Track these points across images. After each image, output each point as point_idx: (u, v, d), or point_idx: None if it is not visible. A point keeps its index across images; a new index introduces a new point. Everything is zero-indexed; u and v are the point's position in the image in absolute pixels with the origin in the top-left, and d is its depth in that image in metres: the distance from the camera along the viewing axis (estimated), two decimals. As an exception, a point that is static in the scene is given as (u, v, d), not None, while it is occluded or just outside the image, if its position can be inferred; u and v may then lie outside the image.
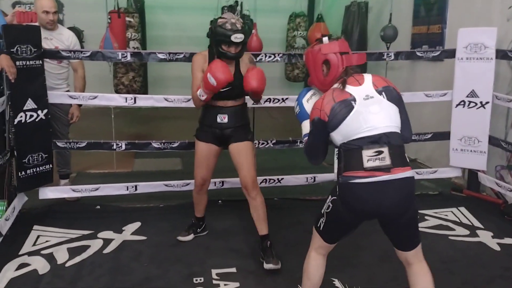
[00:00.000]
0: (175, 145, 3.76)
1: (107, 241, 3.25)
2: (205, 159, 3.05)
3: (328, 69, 2.13)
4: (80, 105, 3.87)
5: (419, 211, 3.68)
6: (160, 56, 3.63)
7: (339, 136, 2.03)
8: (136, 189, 3.74)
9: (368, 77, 2.07)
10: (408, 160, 2.01)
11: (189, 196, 3.92)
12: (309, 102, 2.29)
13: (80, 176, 4.56)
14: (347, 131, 1.99)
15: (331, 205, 2.08)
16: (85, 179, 4.38)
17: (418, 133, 4.16)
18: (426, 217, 3.69)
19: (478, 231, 3.44)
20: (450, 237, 3.36)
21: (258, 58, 3.71)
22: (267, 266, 2.83)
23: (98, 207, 3.85)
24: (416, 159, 5.29)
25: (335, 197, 2.05)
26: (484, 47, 3.76)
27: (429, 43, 5.08)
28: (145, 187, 3.77)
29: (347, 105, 1.99)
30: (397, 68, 5.61)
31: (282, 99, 3.83)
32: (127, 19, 5.76)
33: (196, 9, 8.17)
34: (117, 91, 5.77)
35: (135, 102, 3.65)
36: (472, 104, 3.89)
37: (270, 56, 3.78)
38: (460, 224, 3.59)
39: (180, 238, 3.28)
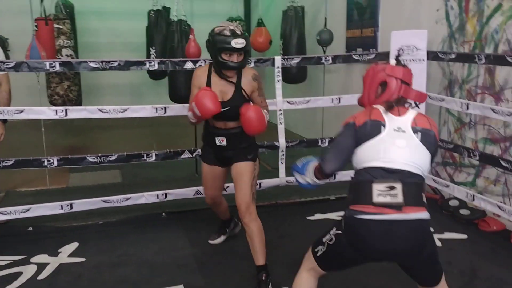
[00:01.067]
0: (113, 158, 3.57)
1: (41, 266, 3.00)
2: (210, 181, 2.93)
3: (382, 91, 1.99)
4: (4, 121, 3.55)
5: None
6: (92, 65, 3.44)
7: (356, 157, 1.94)
8: (71, 208, 3.50)
9: (412, 113, 1.94)
10: (425, 201, 1.85)
11: (132, 210, 3.77)
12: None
13: (9, 196, 4.23)
14: (364, 154, 1.90)
15: (334, 238, 1.92)
16: (15, 199, 4.06)
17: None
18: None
19: (419, 228, 3.55)
20: (393, 235, 3.43)
21: (198, 65, 3.61)
22: None
23: (30, 228, 3.57)
24: (357, 159, 5.41)
25: (340, 232, 1.90)
26: (416, 49, 3.90)
27: (363, 46, 5.21)
28: (81, 204, 3.54)
29: (376, 128, 1.89)
30: (334, 71, 5.72)
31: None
32: (57, 26, 5.45)
33: (129, 14, 7.94)
34: (52, 102, 5.43)
35: (66, 114, 3.42)
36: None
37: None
38: (402, 221, 3.68)
39: (211, 241, 3.27)
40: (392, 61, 2.04)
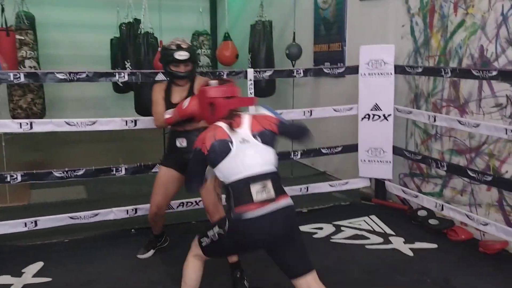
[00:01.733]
0: (80, 173, 3.44)
1: (4, 288, 2.84)
2: (163, 185, 2.97)
3: (213, 110, 2.33)
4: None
5: (337, 223, 3.85)
6: (60, 76, 3.32)
7: (220, 173, 2.19)
8: (36, 225, 3.34)
9: (246, 120, 2.27)
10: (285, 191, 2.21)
11: (99, 227, 3.64)
12: None
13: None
14: (227, 172, 2.17)
15: (217, 236, 2.17)
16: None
17: (329, 146, 4.30)
18: (342, 228, 3.79)
19: (390, 238, 3.60)
20: (366, 246, 3.46)
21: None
22: None
23: (-9, 248, 3.38)
24: (326, 171, 5.46)
25: (222, 233, 2.14)
26: (384, 63, 4.01)
27: (330, 60, 5.31)
28: (47, 221, 3.38)
29: (226, 147, 2.18)
30: (302, 85, 5.78)
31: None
32: (20, 36, 5.26)
33: (93, 27, 7.81)
34: (14, 117, 5.20)
35: (31, 127, 3.28)
36: (376, 117, 4.10)
37: (180, 75, 3.63)
38: (374, 232, 3.73)
39: (140, 256, 3.25)
40: (213, 82, 2.41)
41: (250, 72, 3.84)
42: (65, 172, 3.40)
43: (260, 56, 5.55)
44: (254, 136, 2.22)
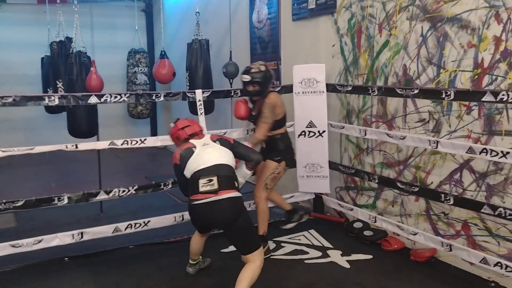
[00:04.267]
0: (19, 204, 3.25)
1: None
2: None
3: (178, 139, 3.13)
4: None
5: (277, 239, 3.89)
6: (-17, 100, 3.14)
7: (187, 172, 2.89)
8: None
9: (207, 135, 3.10)
10: (236, 185, 2.86)
11: (28, 258, 3.43)
12: None
13: None
14: (191, 168, 2.87)
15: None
16: None
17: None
18: (282, 244, 3.84)
19: (328, 251, 3.70)
20: (305, 261, 3.53)
21: (103, 99, 3.48)
22: None
23: None
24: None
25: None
26: (316, 82, 4.14)
27: (267, 78, 5.41)
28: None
29: (190, 151, 2.93)
30: (241, 102, 5.85)
31: (141, 140, 3.64)
32: None
33: (23, 45, 7.49)
34: None
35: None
36: (311, 134, 4.22)
37: (116, 97, 3.56)
38: (313, 246, 3.81)
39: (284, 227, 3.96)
40: (171, 124, 3.20)
41: (199, 93, 3.86)
42: (3, 204, 3.18)
43: (197, 75, 5.56)
44: (214, 141, 2.99)
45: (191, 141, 2.99)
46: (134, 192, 3.64)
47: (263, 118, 3.53)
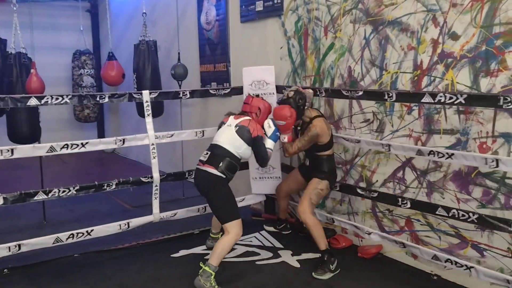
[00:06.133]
0: None
1: None
2: (290, 177, 4.00)
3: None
4: None
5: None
6: None
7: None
8: None
9: (240, 119, 3.37)
10: (220, 164, 3.17)
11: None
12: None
13: None
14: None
15: None
16: None
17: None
18: (234, 247, 3.82)
19: (279, 251, 3.72)
20: (256, 262, 3.54)
21: (43, 101, 3.34)
22: None
23: None
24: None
25: None
26: (266, 83, 4.17)
27: (217, 80, 5.40)
28: None
29: (220, 125, 3.49)
30: (191, 105, 5.80)
31: (82, 143, 3.48)
32: None
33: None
34: None
35: None
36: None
37: (57, 98, 3.41)
38: (264, 247, 3.83)
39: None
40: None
41: (146, 94, 3.77)
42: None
43: (145, 77, 5.45)
44: (235, 125, 3.30)
45: (230, 117, 3.41)
46: (75, 192, 3.48)
47: (302, 141, 3.51)
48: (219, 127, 3.46)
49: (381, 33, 3.46)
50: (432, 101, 2.91)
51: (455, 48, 2.99)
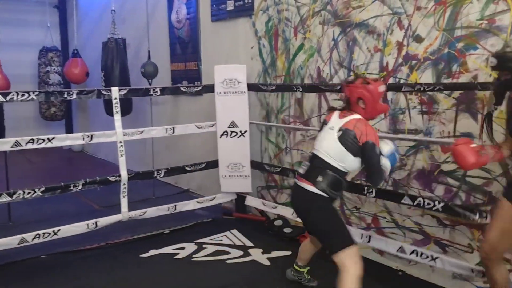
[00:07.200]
0: None
1: None
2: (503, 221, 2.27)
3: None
4: None
5: (199, 240, 3.88)
6: None
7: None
8: None
9: (345, 119, 2.56)
10: (319, 179, 2.51)
11: None
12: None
13: None
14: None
15: None
16: None
17: (193, 163, 4.32)
18: (203, 246, 3.83)
19: (250, 250, 3.75)
20: (227, 261, 3.55)
21: (8, 98, 3.27)
22: None
23: None
24: (189, 189, 5.49)
25: None
26: (237, 82, 4.19)
27: (188, 78, 5.38)
28: None
29: (323, 125, 2.71)
30: (161, 103, 5.77)
31: (48, 139, 3.42)
32: None
33: None
34: None
35: None
36: (233, 134, 4.26)
37: (23, 95, 3.34)
38: (234, 246, 3.85)
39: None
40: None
41: (115, 91, 3.73)
42: None
43: (114, 74, 5.39)
44: (339, 129, 2.51)
45: (333, 115, 2.61)
46: (40, 194, 3.42)
47: None
48: (321, 128, 2.68)
49: (349, 35, 3.53)
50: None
51: (419, 50, 3.09)
